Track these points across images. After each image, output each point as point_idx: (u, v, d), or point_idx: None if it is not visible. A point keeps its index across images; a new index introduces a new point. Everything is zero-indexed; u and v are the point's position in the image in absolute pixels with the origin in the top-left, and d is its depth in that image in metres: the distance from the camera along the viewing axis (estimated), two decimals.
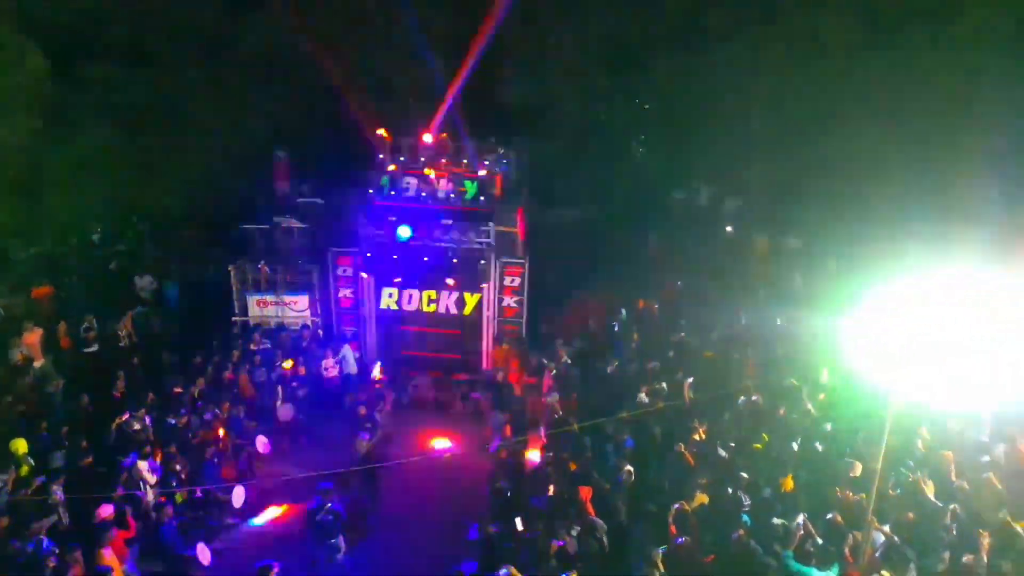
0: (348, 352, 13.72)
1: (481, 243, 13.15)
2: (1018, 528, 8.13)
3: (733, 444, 10.21)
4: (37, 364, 13.44)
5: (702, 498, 8.91)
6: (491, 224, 13.13)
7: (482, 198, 13.58)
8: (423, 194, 13.55)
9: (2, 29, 21.77)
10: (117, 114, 22.45)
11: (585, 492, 9.27)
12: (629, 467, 9.76)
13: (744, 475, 9.10)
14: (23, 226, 21.48)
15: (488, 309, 13.80)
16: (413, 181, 13.65)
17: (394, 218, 13.17)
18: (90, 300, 15.99)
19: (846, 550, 7.99)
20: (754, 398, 10.99)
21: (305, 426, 12.75)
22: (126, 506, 8.88)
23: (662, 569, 7.70)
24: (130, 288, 16.46)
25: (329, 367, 13.38)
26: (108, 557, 8.21)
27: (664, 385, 11.48)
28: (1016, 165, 16.25)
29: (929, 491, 9.30)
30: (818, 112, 19.27)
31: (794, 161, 20.16)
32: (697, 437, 10.40)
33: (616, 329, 13.86)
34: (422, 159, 13.81)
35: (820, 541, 8.06)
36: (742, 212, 22.11)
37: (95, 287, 16.67)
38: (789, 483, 9.26)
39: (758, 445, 10.23)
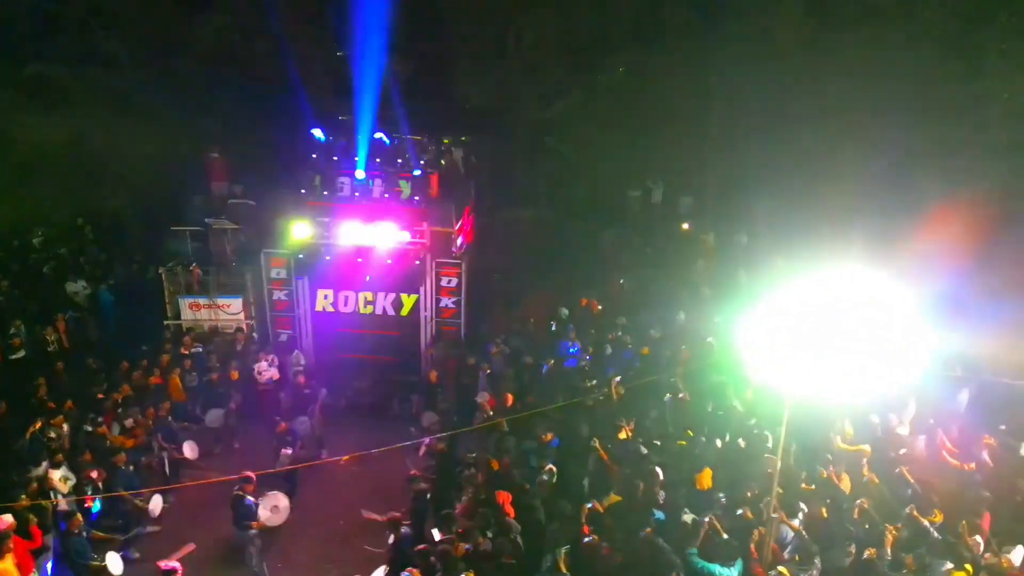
0: (298, 357, 13.60)
1: (415, 243, 13.02)
2: (925, 523, 8.18)
3: (658, 441, 10.21)
4: None
5: (616, 497, 8.87)
6: (424, 224, 13.00)
7: (416, 198, 13.46)
8: (356, 194, 13.40)
9: None
10: (67, 114, 22.26)
11: (503, 495, 9.22)
12: (552, 466, 9.70)
13: (659, 472, 9.06)
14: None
15: (425, 310, 13.67)
16: (346, 181, 13.50)
17: (327, 219, 13.00)
18: (26, 305, 15.67)
19: (751, 546, 7.99)
20: (681, 396, 10.98)
21: (235, 431, 12.56)
22: (30, 516, 8.66)
23: (564, 570, 7.65)
24: (65, 293, 16.14)
25: (263, 370, 13.19)
26: (5, 570, 8.00)
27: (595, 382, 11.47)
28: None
29: (844, 486, 9.38)
30: (769, 110, 19.51)
31: (745, 157, 20.38)
32: (623, 435, 10.37)
33: (554, 328, 13.80)
34: (356, 159, 13.63)
35: (726, 537, 8.05)
36: (695, 209, 22.22)
37: (32, 291, 16.32)
38: (706, 480, 9.25)
39: (682, 442, 10.22)
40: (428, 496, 9.64)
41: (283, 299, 13.86)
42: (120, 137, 20.61)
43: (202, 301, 13.93)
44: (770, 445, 9.71)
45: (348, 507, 10.71)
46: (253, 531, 9.40)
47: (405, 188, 13.52)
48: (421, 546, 8.35)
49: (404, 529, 8.65)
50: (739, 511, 8.36)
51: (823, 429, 10.06)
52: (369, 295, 13.63)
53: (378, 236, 12.71)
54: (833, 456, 9.90)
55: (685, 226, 20.85)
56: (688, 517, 8.38)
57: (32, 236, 19.76)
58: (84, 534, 8.89)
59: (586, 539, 8.17)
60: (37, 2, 22.15)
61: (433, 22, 22.55)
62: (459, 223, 15.76)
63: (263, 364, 13.24)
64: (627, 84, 23.00)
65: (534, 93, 22.87)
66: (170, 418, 11.60)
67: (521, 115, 22.82)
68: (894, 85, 17.42)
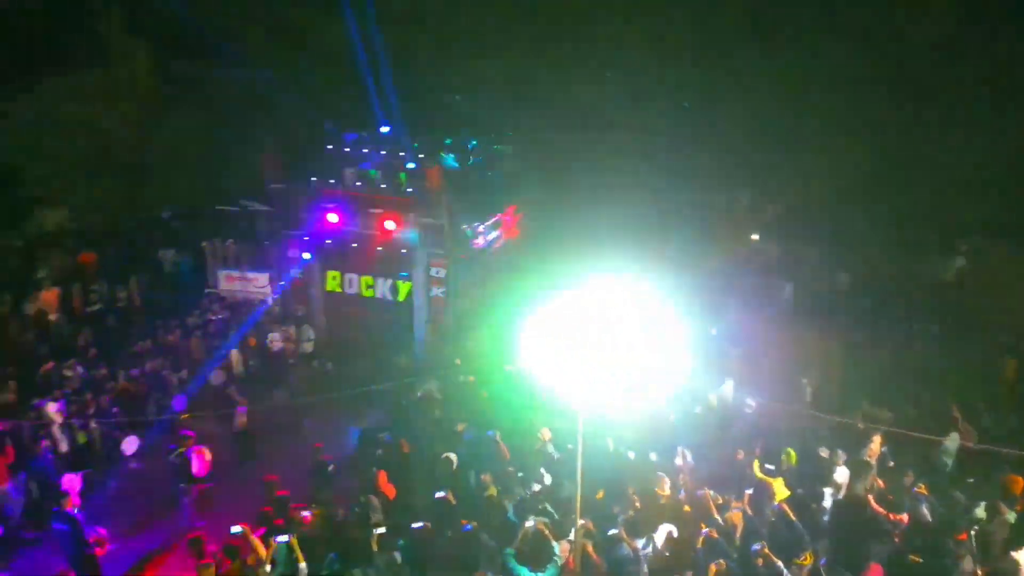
0: (307, 331, 14.93)
1: (404, 233, 13.74)
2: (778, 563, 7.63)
3: None
4: (51, 318, 15.85)
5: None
6: (413, 215, 13.67)
7: (409, 189, 14.15)
8: (358, 183, 14.38)
9: (113, 30, 25.35)
10: (200, 107, 25.47)
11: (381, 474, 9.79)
12: (450, 455, 10.12)
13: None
14: (123, 200, 24.93)
15: (418, 297, 14.36)
16: (351, 171, 14.51)
17: (331, 205, 14.09)
18: (123, 268, 18.49)
19: (568, 556, 7.89)
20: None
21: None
22: (6, 436, 10.54)
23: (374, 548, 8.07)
24: (158, 260, 18.79)
25: (274, 341, 14.60)
26: None
27: None
28: None
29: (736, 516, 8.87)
30: None
31: None
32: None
33: None
34: (364, 150, 14.60)
35: (553, 544, 7.99)
36: None
37: (133, 257, 19.18)
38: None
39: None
40: (330, 467, 10.35)
41: (300, 277, 15.20)
42: (243, 129, 23.21)
43: (235, 274, 15.66)
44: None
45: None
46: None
47: (403, 179, 14.27)
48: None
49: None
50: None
51: None
52: (370, 279, 14.57)
53: (370, 224, 13.59)
54: (748, 482, 9.42)
55: None
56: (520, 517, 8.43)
57: (160, 211, 22.91)
58: (49, 456, 10.61)
59: (419, 525, 8.50)
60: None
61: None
62: (493, 218, 16.29)
63: (276, 335, 14.65)
64: None
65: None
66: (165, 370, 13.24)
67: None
68: None
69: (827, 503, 9.40)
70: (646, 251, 18.24)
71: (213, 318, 14.90)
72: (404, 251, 13.84)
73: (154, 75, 24.89)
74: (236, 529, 8.20)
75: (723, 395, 11.93)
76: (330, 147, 15.04)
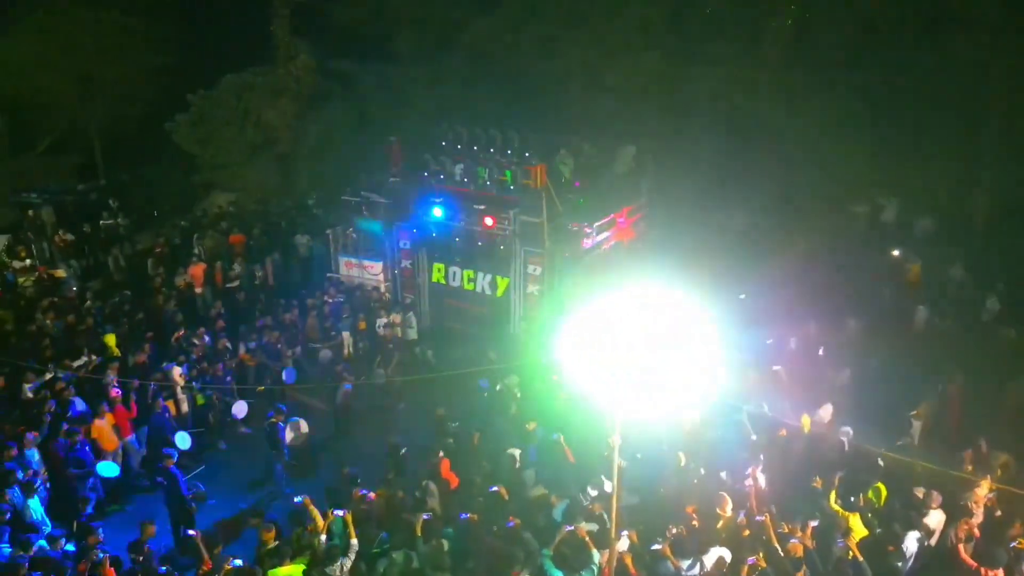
0: (411, 318, 15.64)
1: (505, 230, 13.97)
2: None
3: None
4: (197, 291, 17.62)
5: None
6: (511, 212, 13.86)
7: (512, 187, 14.35)
8: (465, 180, 14.77)
9: (282, 31, 27.61)
10: (353, 102, 27.17)
11: (445, 462, 10.12)
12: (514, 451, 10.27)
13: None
14: (277, 187, 27.18)
15: (515, 293, 14.56)
16: (459, 167, 14.94)
17: (439, 199, 14.61)
18: (265, 249, 20.18)
19: (604, 564, 7.79)
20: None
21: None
22: (134, 393, 11.89)
23: (418, 533, 8.37)
24: (294, 243, 20.31)
25: (382, 325, 15.37)
26: (99, 424, 11.20)
27: None
28: None
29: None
30: None
31: None
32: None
33: None
34: (474, 148, 14.98)
35: (593, 551, 7.95)
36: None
37: (274, 240, 20.87)
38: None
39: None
40: (402, 451, 10.78)
41: (408, 267, 15.87)
42: (385, 123, 24.51)
43: (353, 261, 16.62)
44: None
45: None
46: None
47: (508, 177, 14.48)
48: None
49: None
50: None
51: None
52: (472, 272, 14.96)
53: (474, 220, 13.98)
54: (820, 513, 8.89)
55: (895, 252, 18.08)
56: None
57: (308, 198, 24.69)
58: (165, 415, 11.85)
59: (464, 516, 8.71)
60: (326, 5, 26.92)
61: None
62: (606, 219, 16.22)
63: (383, 320, 15.43)
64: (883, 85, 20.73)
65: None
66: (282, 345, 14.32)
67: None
68: None
69: (912, 548, 8.59)
70: (765, 262, 17.53)
71: (329, 300, 15.91)
72: (502, 248, 14.08)
73: (313, 73, 26.87)
74: (298, 499, 8.80)
75: (819, 418, 11.20)
76: (444, 143, 15.54)
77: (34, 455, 10.40)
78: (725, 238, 21.02)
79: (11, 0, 29.85)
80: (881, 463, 9.95)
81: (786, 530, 8.50)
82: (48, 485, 10.53)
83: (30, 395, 11.72)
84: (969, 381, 12.06)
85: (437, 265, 15.42)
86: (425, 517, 8.51)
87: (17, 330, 14.53)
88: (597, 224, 16.53)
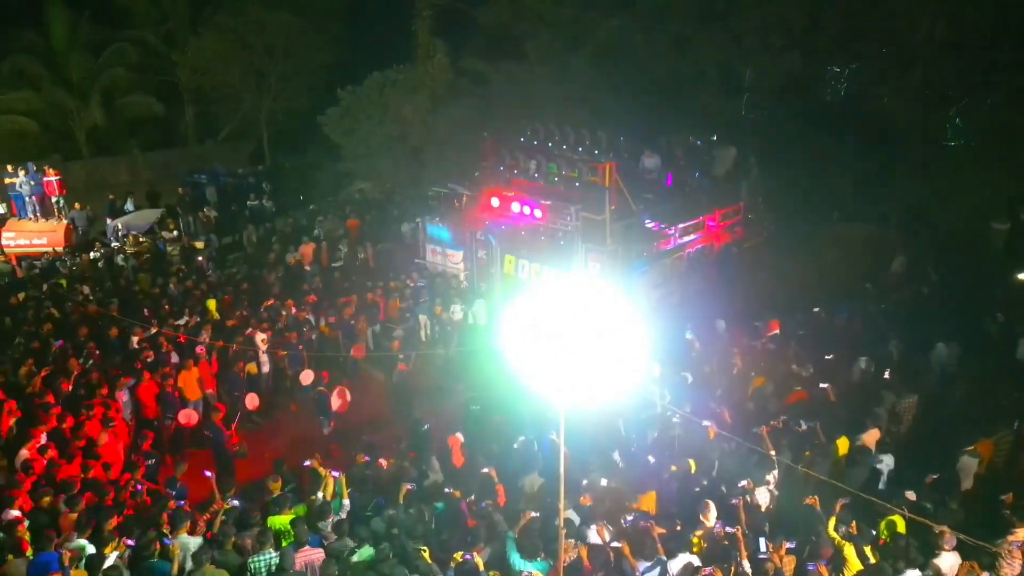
0: (480, 306, 16.29)
1: (567, 226, 14.18)
2: None
3: None
4: (307, 268, 19.35)
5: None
6: (573, 209, 14.03)
7: (577, 184, 14.47)
8: (536, 175, 15.09)
9: (422, 30, 29.39)
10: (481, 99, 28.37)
11: (453, 439, 10.63)
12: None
13: None
14: (407, 177, 28.98)
15: None
16: (533, 163, 15.28)
17: (511, 193, 15.09)
18: (377, 233, 21.75)
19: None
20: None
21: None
22: (214, 351, 13.44)
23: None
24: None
25: (455, 311, 16.12)
26: (185, 375, 12.81)
27: None
28: None
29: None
30: None
31: None
32: None
33: None
34: (549, 144, 15.27)
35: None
36: None
37: (387, 225, 22.40)
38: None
39: None
40: (425, 427, 11.42)
41: (483, 257, 16.49)
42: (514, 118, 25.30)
43: (438, 249, 17.52)
44: None
45: None
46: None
47: (576, 175, 14.63)
48: None
49: None
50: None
51: None
52: (537, 266, 15.30)
53: (533, 214, 14.33)
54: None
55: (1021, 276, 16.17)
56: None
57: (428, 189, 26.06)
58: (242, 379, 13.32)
59: (448, 490, 9.21)
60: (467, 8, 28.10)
61: None
62: (694, 220, 16.07)
63: (456, 307, 16.17)
64: None
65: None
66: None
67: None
68: None
69: None
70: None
71: (411, 284, 16.93)
72: (563, 243, 14.30)
73: (447, 70, 28.29)
74: (307, 462, 9.69)
75: (861, 443, 10.51)
76: (523, 138, 15.98)
77: (124, 396, 12.11)
78: (839, 248, 19.87)
79: (204, 3, 34.08)
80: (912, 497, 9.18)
81: (771, 549, 8.19)
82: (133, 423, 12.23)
83: (136, 346, 13.63)
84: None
85: (508, 257, 15.91)
86: (409, 487, 9.06)
87: (148, 291, 16.83)
88: (682, 225, 16.32)
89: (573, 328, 6.54)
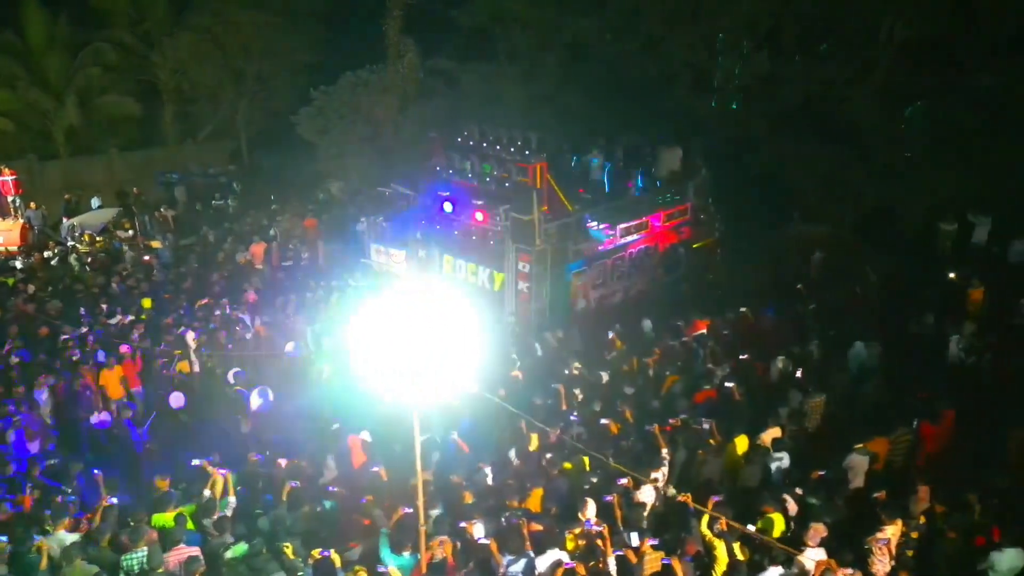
0: None
1: (496, 226, 14.22)
2: None
3: None
4: (258, 267, 19.44)
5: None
6: (501, 209, 14.06)
7: (507, 184, 14.50)
8: (470, 175, 15.14)
9: (391, 31, 29.48)
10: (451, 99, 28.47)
11: None
12: None
13: None
14: (378, 178, 28.93)
15: (508, 289, 14.75)
16: (468, 163, 15.34)
17: (446, 193, 15.13)
18: (331, 233, 21.82)
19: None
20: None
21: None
22: (141, 350, 13.54)
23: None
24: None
25: None
26: (107, 374, 12.91)
27: None
28: None
29: None
30: None
31: None
32: None
33: None
34: (484, 144, 15.31)
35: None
36: None
37: (342, 224, 22.49)
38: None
39: None
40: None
41: (423, 257, 16.53)
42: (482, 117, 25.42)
43: (381, 248, 17.57)
44: None
45: None
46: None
47: (507, 175, 14.66)
48: None
49: None
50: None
51: None
52: (473, 267, 15.34)
53: (463, 214, 14.38)
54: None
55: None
56: None
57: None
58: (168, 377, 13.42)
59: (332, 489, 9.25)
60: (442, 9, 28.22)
61: None
62: (635, 221, 16.10)
63: None
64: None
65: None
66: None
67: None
68: None
69: None
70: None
71: (353, 284, 17.01)
72: (493, 243, 14.34)
73: (417, 70, 28.38)
74: (196, 462, 9.75)
75: (759, 440, 10.50)
76: (459, 139, 16.03)
77: (42, 395, 12.21)
78: (788, 246, 19.92)
79: (183, 4, 34.24)
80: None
81: (643, 547, 8.21)
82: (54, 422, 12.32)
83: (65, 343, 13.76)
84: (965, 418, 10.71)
85: (447, 257, 15.95)
86: (292, 485, 9.11)
87: (89, 289, 16.95)
88: (623, 225, 16.35)
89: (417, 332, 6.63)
